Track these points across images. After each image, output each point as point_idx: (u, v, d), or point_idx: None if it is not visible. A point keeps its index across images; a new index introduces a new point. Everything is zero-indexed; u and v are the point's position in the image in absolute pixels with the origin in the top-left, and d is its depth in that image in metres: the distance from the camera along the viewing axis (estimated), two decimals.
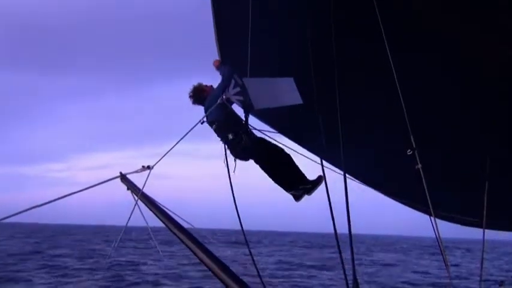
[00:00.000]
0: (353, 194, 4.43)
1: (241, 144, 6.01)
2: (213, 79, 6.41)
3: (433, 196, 4.44)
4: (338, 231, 4.51)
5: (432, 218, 5.36)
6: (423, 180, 4.39)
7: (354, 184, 6.67)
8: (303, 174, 6.06)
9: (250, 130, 6.22)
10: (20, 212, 4.31)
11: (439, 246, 5.52)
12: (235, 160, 6.12)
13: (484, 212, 5.85)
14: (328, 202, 4.70)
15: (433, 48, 5.24)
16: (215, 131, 6.21)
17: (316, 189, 5.89)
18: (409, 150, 4.58)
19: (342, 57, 4.74)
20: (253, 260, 6.26)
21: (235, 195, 5.94)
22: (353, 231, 4.28)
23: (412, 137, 4.50)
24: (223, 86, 6.14)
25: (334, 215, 4.54)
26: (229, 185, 5.94)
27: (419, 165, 4.49)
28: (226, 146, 6.16)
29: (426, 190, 4.37)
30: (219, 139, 6.23)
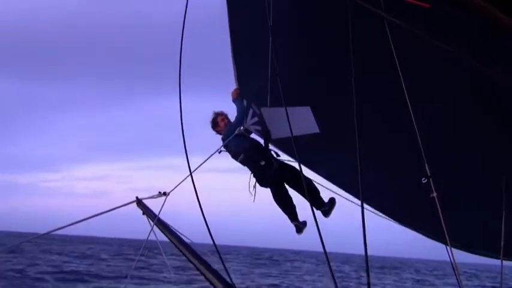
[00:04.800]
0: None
1: (272, 169, 6.14)
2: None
3: (449, 226, 4.40)
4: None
5: (448, 248, 5.24)
6: (439, 208, 4.35)
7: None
8: (321, 198, 6.16)
9: (274, 156, 6.36)
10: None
11: (457, 278, 5.44)
12: (255, 187, 6.24)
13: (502, 243, 5.75)
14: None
15: (445, 79, 5.27)
16: (242, 161, 6.35)
17: (332, 211, 5.98)
18: (424, 179, 4.57)
19: (360, 88, 4.77)
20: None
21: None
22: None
23: (426, 165, 4.49)
24: (237, 123, 6.42)
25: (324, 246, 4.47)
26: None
27: (435, 194, 4.46)
28: (253, 174, 6.28)
29: (442, 219, 4.33)
30: (248, 168, 6.34)
